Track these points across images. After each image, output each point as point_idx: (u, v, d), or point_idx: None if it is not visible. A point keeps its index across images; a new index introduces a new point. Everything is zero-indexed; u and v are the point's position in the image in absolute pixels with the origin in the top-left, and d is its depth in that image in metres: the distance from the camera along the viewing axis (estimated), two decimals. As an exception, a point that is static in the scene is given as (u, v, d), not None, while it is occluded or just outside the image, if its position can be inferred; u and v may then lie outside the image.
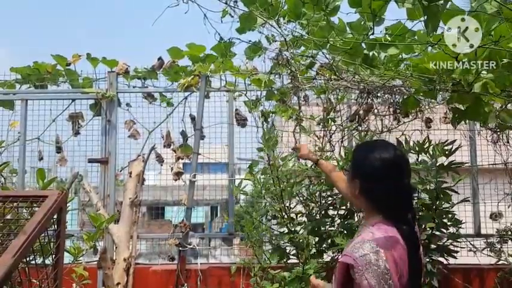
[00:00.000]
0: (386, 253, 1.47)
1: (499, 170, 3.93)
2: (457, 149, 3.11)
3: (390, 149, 1.67)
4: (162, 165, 4.43)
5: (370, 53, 2.73)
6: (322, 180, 3.27)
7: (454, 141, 3.21)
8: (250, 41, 2.78)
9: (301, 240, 2.88)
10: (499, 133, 3.58)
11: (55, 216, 1.90)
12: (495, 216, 4.06)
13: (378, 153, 1.65)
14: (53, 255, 1.89)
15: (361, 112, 3.73)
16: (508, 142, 3.65)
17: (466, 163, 3.60)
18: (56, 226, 1.93)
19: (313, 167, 3.16)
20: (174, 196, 4.43)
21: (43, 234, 1.83)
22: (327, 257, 3.21)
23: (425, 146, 3.10)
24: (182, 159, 4.31)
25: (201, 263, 3.80)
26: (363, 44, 2.62)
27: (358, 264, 1.45)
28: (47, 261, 1.89)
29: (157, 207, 5.43)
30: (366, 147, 1.89)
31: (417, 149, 3.13)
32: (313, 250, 3.05)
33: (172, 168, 4.30)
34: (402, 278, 1.50)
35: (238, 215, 4.54)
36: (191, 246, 3.79)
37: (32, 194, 1.97)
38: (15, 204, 1.91)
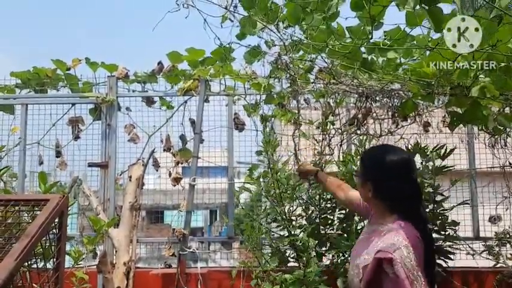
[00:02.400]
0: (412, 246, 1.57)
1: (497, 173, 3.95)
2: (452, 151, 3.14)
3: (398, 151, 1.84)
4: (157, 170, 4.43)
5: (369, 57, 2.75)
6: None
7: (445, 145, 3.23)
8: (249, 45, 2.80)
9: (301, 243, 2.89)
10: (496, 137, 3.60)
11: (56, 220, 1.92)
12: (494, 219, 4.07)
13: (388, 155, 1.77)
14: (54, 259, 1.90)
15: (359, 116, 3.75)
16: (505, 145, 3.67)
17: (457, 165, 3.60)
18: (57, 230, 1.94)
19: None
20: (174, 200, 4.44)
21: (44, 238, 1.84)
22: (326, 260, 3.23)
23: (421, 148, 3.12)
24: (181, 163, 4.32)
25: (200, 267, 3.81)
26: (362, 48, 2.65)
27: (396, 259, 1.54)
28: (48, 265, 1.90)
29: (156, 212, 5.45)
30: (375, 151, 2.06)
31: (413, 151, 3.14)
32: (313, 253, 3.06)
33: (170, 173, 4.32)
34: (421, 269, 1.59)
35: (238, 219, 4.55)
36: (191, 250, 3.80)
37: (34, 197, 1.98)
38: (16, 208, 1.92)
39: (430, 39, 2.44)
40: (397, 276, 1.52)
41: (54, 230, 1.92)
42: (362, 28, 2.46)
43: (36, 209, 1.90)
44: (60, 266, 1.91)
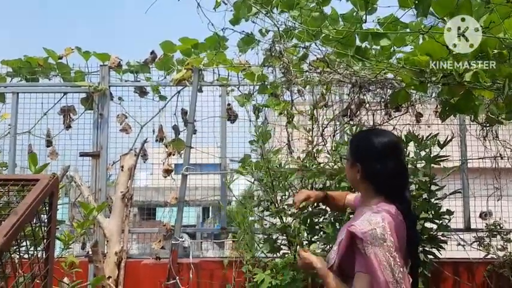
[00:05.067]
0: (391, 228, 1.58)
1: (488, 169, 3.97)
2: (450, 140, 3.15)
3: (387, 133, 1.85)
4: (145, 161, 4.40)
5: (363, 45, 2.75)
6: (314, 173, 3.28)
7: (437, 134, 3.24)
8: (243, 31, 2.79)
9: (292, 230, 2.89)
10: (488, 128, 3.62)
11: (47, 201, 1.89)
12: (485, 215, 4.10)
13: (377, 137, 1.79)
14: (44, 240, 1.87)
15: (352, 107, 3.76)
16: (496, 137, 3.69)
17: (449, 157, 3.61)
18: (47, 211, 1.92)
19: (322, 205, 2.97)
20: (166, 197, 4.41)
21: (34, 218, 1.81)
22: (318, 249, 3.23)
23: (415, 137, 3.12)
24: (173, 154, 4.30)
25: (192, 257, 3.79)
26: (356, 36, 2.65)
27: (366, 238, 1.55)
28: (38, 250, 1.87)
29: (148, 208, 5.43)
30: (365, 133, 2.07)
31: (407, 140, 3.15)
32: (305, 242, 3.06)
33: (164, 163, 4.30)
34: (402, 251, 1.61)
35: (230, 216, 4.53)
36: (183, 240, 3.78)
37: (23, 177, 1.95)
38: (5, 188, 1.89)
39: (423, 25, 2.44)
40: (365, 253, 1.55)
41: (44, 211, 1.90)
42: (355, 14, 2.46)
43: (26, 188, 1.87)
44: (50, 246, 1.89)
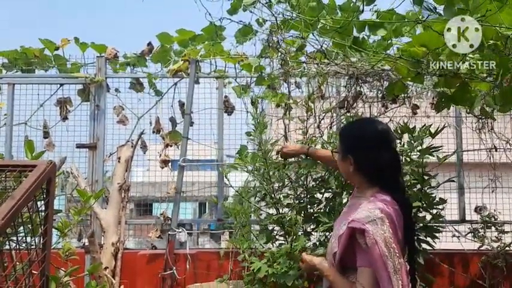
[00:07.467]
0: (389, 218, 1.57)
1: (484, 164, 4.00)
2: (442, 129, 3.17)
3: (376, 122, 1.84)
4: (144, 152, 4.40)
5: (360, 36, 2.76)
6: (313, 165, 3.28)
7: (431, 125, 3.26)
8: (241, 21, 2.79)
9: (287, 221, 2.90)
10: (483, 120, 3.64)
11: (44, 186, 1.89)
12: (479, 210, 4.13)
13: (366, 127, 1.78)
14: (42, 226, 1.88)
15: (349, 99, 3.77)
16: (492, 129, 3.71)
17: (445, 149, 3.63)
18: (44, 197, 1.92)
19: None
20: (163, 192, 4.41)
21: (31, 203, 1.81)
22: (313, 239, 3.24)
23: (409, 128, 3.14)
24: (170, 146, 4.30)
25: (189, 248, 3.81)
26: (353, 26, 2.65)
27: (368, 230, 1.54)
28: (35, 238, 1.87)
29: (145, 204, 5.44)
30: (354, 124, 2.08)
31: (402, 131, 3.17)
32: (300, 232, 3.08)
33: (160, 155, 4.30)
34: (399, 241, 1.60)
35: (227, 212, 4.53)
36: (180, 231, 3.79)
37: (21, 163, 1.95)
38: (3, 173, 1.89)
39: (421, 16, 2.45)
40: (368, 247, 1.53)
41: (42, 197, 1.90)
42: (352, 4, 2.46)
43: (23, 174, 1.87)
44: (47, 232, 1.89)
